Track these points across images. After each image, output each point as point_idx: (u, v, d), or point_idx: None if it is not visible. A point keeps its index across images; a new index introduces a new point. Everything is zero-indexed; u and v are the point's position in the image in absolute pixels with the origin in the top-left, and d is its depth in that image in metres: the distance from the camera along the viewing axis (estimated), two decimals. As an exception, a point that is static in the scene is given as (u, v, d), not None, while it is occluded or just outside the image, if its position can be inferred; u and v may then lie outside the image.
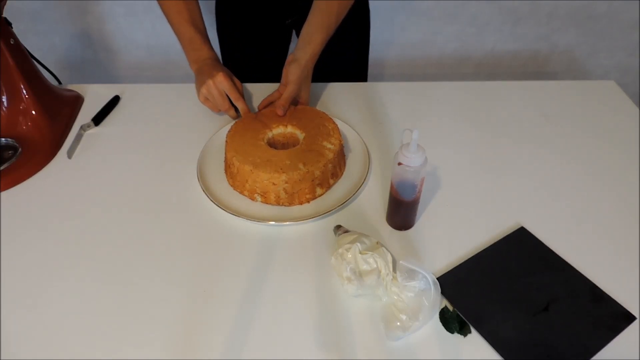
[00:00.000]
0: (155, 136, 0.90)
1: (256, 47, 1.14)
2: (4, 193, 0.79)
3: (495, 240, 0.69)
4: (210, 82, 0.84)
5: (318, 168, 0.73)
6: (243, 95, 0.88)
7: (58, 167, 0.84)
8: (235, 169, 0.75)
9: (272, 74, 0.98)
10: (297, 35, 1.18)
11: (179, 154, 0.85)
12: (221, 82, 0.84)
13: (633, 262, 0.66)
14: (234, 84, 0.87)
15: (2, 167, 0.81)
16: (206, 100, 0.88)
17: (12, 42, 0.83)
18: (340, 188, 0.78)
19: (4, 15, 0.83)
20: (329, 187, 0.78)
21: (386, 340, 0.57)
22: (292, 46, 1.21)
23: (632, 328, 0.59)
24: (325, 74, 0.96)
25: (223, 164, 0.81)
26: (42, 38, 1.68)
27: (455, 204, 0.75)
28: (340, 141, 0.79)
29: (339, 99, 0.99)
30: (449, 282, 0.63)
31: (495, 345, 0.57)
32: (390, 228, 0.72)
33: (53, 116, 0.90)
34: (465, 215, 0.74)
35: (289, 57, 0.87)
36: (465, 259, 0.66)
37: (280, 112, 0.83)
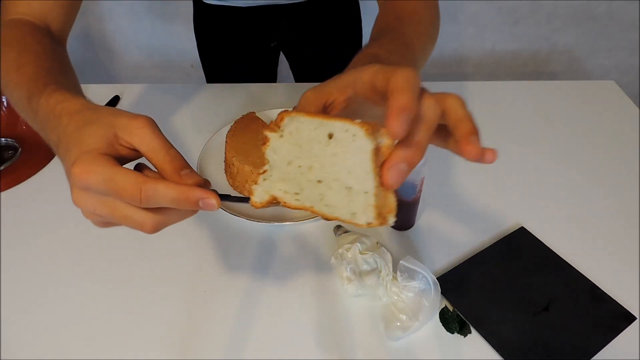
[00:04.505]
0: (155, 136, 0.90)
1: (241, 71, 1.08)
2: (4, 193, 0.79)
3: (495, 240, 0.69)
4: None
5: (318, 168, 0.73)
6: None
7: (58, 167, 0.84)
8: (235, 169, 0.75)
9: None
10: (286, 57, 1.12)
11: (179, 154, 0.85)
12: None
13: (633, 262, 0.66)
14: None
15: (2, 167, 0.81)
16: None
17: (12, 42, 0.83)
18: (340, 188, 0.77)
19: (4, 15, 0.83)
20: (329, 187, 0.77)
21: (386, 340, 0.57)
22: (280, 68, 1.14)
23: (632, 328, 0.59)
24: (322, 75, 0.96)
25: (223, 164, 0.81)
26: (42, 38, 1.68)
27: (455, 204, 0.75)
28: (340, 141, 0.78)
29: (339, 99, 0.98)
30: (449, 282, 0.63)
31: (495, 346, 0.57)
32: (390, 228, 0.72)
33: (53, 116, 0.89)
34: (466, 215, 0.74)
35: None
36: (465, 259, 0.66)
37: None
